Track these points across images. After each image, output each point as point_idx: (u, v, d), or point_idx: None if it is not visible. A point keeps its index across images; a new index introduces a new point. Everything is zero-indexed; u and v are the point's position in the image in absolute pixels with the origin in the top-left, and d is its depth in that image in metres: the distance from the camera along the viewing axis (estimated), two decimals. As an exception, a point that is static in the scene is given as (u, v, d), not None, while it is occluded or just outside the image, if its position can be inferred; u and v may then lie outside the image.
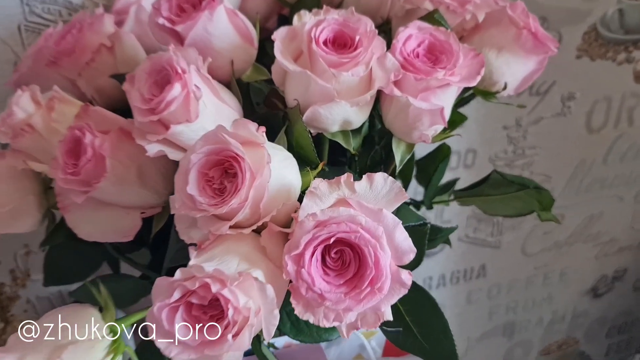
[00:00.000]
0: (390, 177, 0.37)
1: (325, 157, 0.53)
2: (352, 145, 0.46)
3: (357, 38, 0.42)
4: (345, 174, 0.37)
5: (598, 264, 1.17)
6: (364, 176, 0.37)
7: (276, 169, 0.39)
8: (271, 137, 0.47)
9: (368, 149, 0.56)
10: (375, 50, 0.42)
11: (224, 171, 0.38)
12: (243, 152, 0.36)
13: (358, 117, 0.45)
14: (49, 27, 0.63)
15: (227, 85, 0.48)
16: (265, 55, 0.53)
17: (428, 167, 0.57)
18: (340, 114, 0.44)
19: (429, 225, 0.47)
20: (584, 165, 1.05)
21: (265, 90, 0.54)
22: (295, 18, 0.45)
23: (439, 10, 0.50)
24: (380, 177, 0.37)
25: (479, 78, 0.45)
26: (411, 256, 0.37)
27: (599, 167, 1.05)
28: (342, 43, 0.43)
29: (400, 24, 0.59)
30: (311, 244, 0.35)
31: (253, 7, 0.56)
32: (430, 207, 0.61)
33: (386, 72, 0.43)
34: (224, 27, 0.46)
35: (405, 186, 0.63)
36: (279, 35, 0.43)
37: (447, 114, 0.47)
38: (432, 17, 0.49)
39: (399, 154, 0.49)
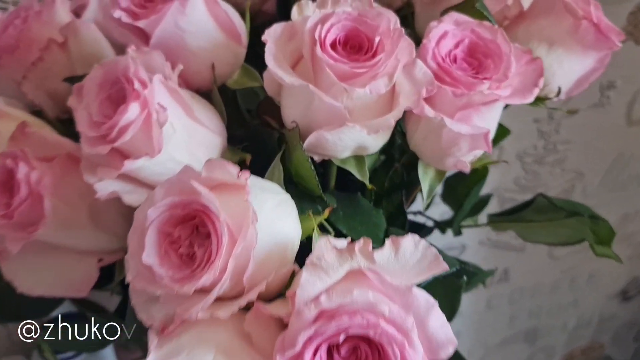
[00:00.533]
0: (423, 242, 0.27)
1: (333, 182, 0.42)
2: (367, 175, 0.36)
3: (377, 39, 0.31)
4: (362, 240, 0.26)
5: (630, 265, 1.07)
6: (387, 242, 0.27)
7: (267, 221, 0.28)
8: (264, 159, 0.37)
9: (386, 167, 0.45)
10: (402, 56, 0.31)
11: (194, 228, 0.28)
12: (218, 208, 0.26)
13: (376, 142, 0.34)
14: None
15: (208, 95, 0.38)
16: (261, 46, 0.42)
17: (459, 189, 0.46)
18: (353, 140, 0.33)
19: (464, 278, 0.37)
20: (621, 159, 0.94)
21: (260, 93, 0.44)
22: (295, 10, 0.34)
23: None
24: (409, 242, 0.27)
25: (536, 92, 0.34)
26: (450, 350, 0.27)
27: (638, 161, 0.94)
28: (356, 45, 0.32)
29: (426, 13, 0.48)
30: (313, 341, 0.25)
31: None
32: (458, 234, 0.51)
33: (416, 85, 0.32)
34: (201, 21, 0.35)
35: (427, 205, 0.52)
36: (272, 35, 0.32)
37: (492, 134, 0.36)
38: (471, 6, 0.38)
39: (426, 183, 0.38)
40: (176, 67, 0.33)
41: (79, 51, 0.42)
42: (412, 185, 0.44)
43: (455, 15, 0.35)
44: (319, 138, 0.32)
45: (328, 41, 0.31)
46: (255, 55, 0.41)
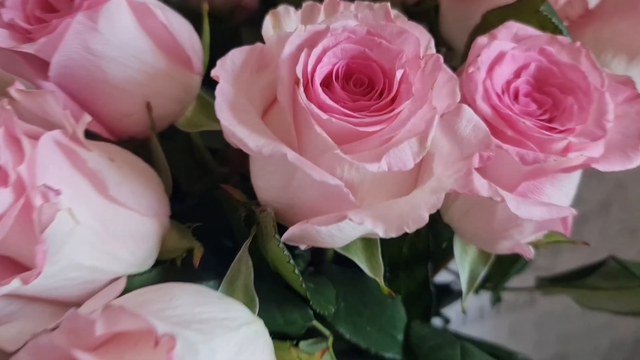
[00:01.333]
0: None
1: (330, 254, 0.30)
2: (381, 268, 0.24)
3: (399, 74, 0.19)
4: None
5: (670, 283, 0.96)
6: None
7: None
8: (227, 226, 0.26)
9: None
10: (440, 101, 0.19)
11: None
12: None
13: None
14: None
15: (145, 145, 0.26)
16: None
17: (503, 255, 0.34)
18: (359, 231, 0.21)
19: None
20: (665, 169, 0.82)
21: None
22: (267, 22, 0.22)
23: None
24: None
25: (645, 151, 0.22)
26: None
27: (685, 171, 0.82)
28: (364, 82, 0.20)
29: (456, 10, 0.36)
30: None
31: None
32: (498, 301, 0.40)
33: (462, 147, 0.20)
34: (127, 40, 0.23)
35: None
36: (228, 69, 0.20)
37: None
38: (532, 10, 0.25)
39: (466, 267, 0.26)
40: (80, 119, 0.21)
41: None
42: (440, 252, 0.32)
43: (514, 27, 0.23)
44: (307, 230, 0.20)
45: (318, 78, 0.19)
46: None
